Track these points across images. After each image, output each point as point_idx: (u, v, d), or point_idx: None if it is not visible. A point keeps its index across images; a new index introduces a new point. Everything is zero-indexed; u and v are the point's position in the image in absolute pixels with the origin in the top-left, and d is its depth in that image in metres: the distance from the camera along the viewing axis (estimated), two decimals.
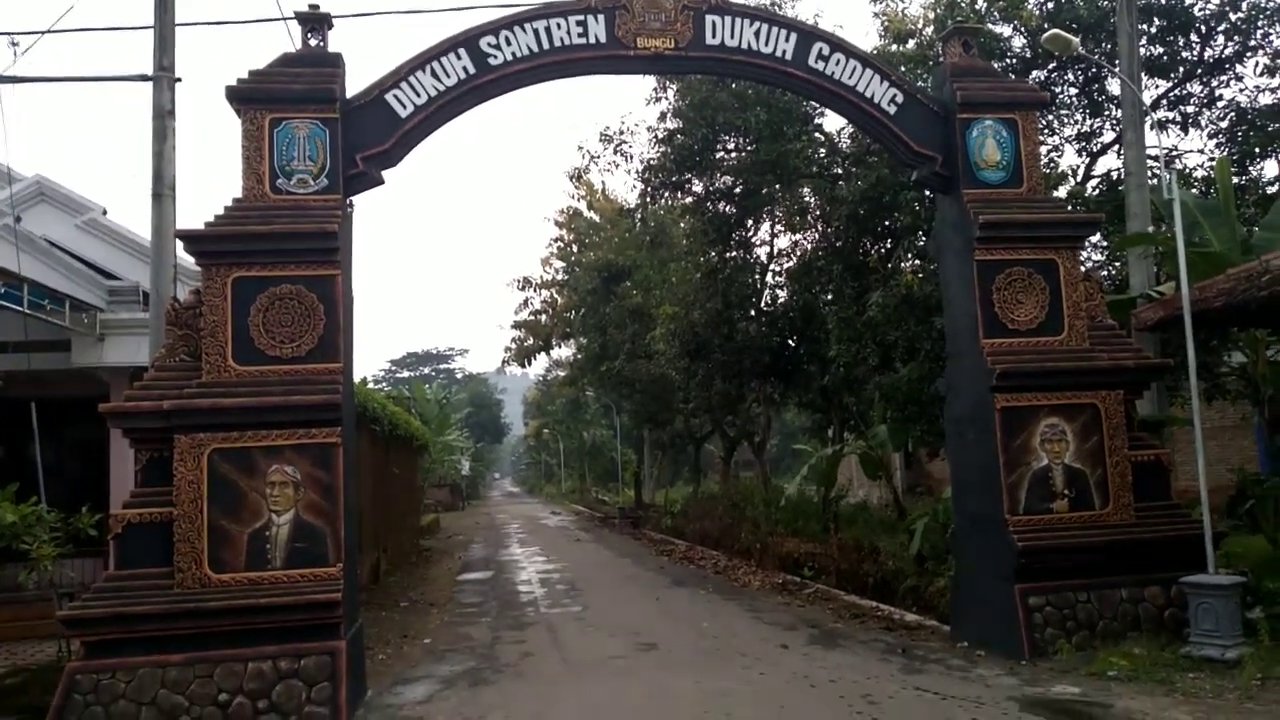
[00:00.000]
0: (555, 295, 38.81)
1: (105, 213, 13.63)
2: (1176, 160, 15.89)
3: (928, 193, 12.38)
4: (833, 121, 16.91)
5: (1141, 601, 8.44)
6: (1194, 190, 13.77)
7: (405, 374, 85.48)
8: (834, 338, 15.96)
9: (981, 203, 8.97)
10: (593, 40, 8.90)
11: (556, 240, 37.82)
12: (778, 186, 16.88)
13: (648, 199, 18.00)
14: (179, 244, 8.25)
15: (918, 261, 14.39)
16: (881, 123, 9.26)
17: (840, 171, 16.83)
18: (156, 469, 7.46)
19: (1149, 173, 11.95)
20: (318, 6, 8.48)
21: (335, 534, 7.44)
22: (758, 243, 21.90)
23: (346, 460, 7.72)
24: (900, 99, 9.22)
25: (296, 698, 7.06)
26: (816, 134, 17.38)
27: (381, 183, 8.50)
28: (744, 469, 38.51)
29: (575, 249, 36.66)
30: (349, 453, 7.95)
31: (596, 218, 35.96)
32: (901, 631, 10.20)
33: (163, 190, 9.44)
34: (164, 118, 9.54)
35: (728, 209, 17.90)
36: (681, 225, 24.59)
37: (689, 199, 18.19)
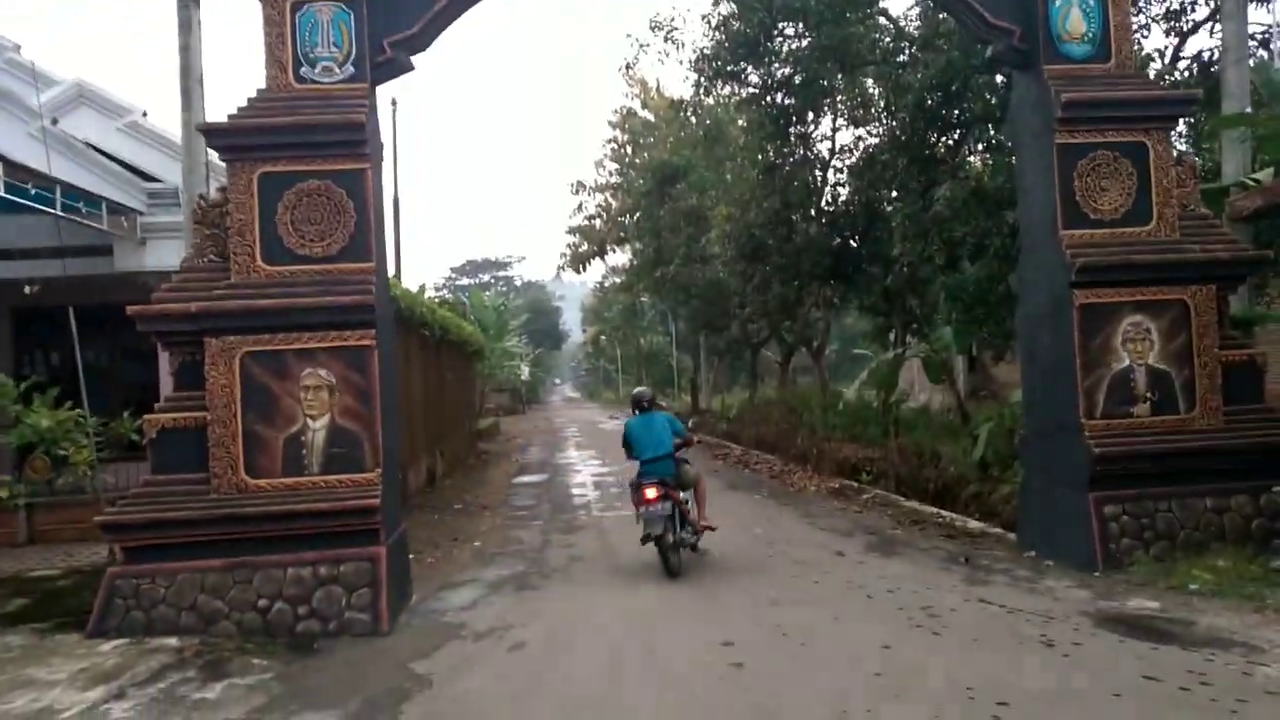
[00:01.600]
0: (609, 199, 38.10)
1: (146, 115, 13.35)
2: (1276, 39, 14.53)
3: (1003, 73, 11.46)
4: (898, 3, 15.83)
5: (1227, 511, 7.87)
6: None
7: (465, 281, 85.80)
8: (898, 235, 15.22)
9: (1065, 79, 8.13)
10: None
11: (611, 141, 36.91)
12: (839, 76, 15.87)
13: (702, 90, 17.12)
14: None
15: (988, 154, 13.45)
16: None
17: (906, 58, 15.76)
18: (190, 373, 7.26)
19: (1247, 49, 10.85)
20: None
21: (372, 438, 7.21)
22: (818, 138, 20.89)
23: (383, 363, 7.43)
24: None
25: (337, 603, 6.94)
26: (880, 18, 16.27)
27: (412, 69, 7.97)
28: (802, 375, 37.95)
29: (630, 150, 35.76)
30: (386, 356, 7.67)
31: (651, 116, 34.91)
32: (964, 539, 9.80)
33: (190, 85, 9.06)
34: (188, 7, 9.09)
35: (786, 101, 16.95)
36: (738, 121, 23.60)
37: (745, 91, 17.26)
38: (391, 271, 11.47)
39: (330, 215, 7.34)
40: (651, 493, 8.37)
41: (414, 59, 8.03)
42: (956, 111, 14.55)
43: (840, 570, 8.33)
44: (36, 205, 9.06)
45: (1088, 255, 7.87)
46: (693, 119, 29.46)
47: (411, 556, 9.67)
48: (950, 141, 14.23)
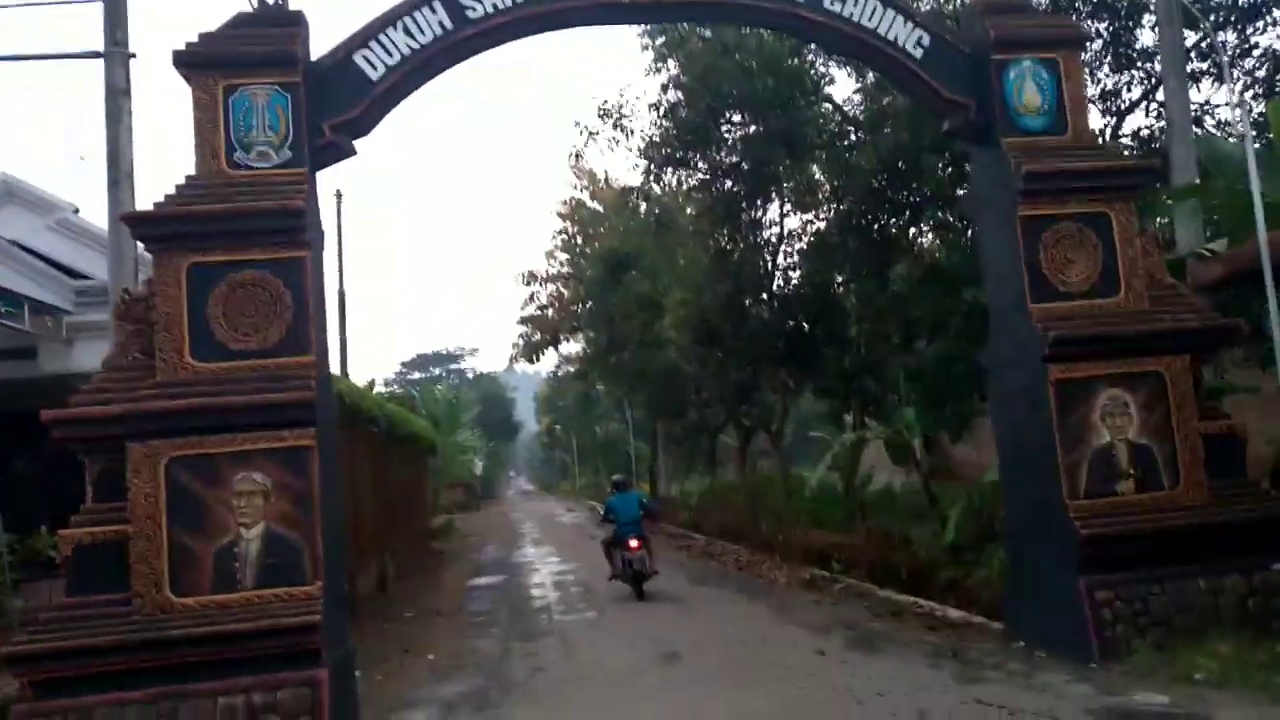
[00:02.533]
0: (561, 289, 37.98)
1: (77, 211, 12.87)
2: (1209, 114, 14.93)
3: (960, 149, 11.45)
4: (842, 89, 16.05)
5: (1221, 593, 7.50)
6: (1232, 140, 12.81)
7: (416, 375, 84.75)
8: (854, 316, 15.08)
9: (1023, 152, 8.04)
10: None
11: (560, 233, 36.99)
12: (788, 161, 15.92)
13: (651, 177, 17.09)
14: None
15: (942, 233, 13.45)
16: (906, 68, 8.34)
17: (854, 140, 15.92)
18: (111, 481, 6.61)
19: (1190, 125, 11.00)
20: None
21: (312, 547, 6.60)
22: (768, 224, 21.00)
23: (325, 465, 6.87)
24: (926, 40, 8.29)
25: None
26: (826, 104, 16.47)
27: (354, 153, 7.63)
28: (761, 458, 37.56)
29: (580, 240, 35.82)
30: (328, 456, 7.11)
31: (600, 207, 35.09)
32: (947, 630, 9.31)
33: (119, 176, 8.62)
34: (118, 97, 8.73)
35: (735, 188, 16.97)
36: (688, 209, 23.72)
37: (695, 177, 17.28)
38: (337, 366, 10.96)
39: (266, 307, 6.86)
40: (634, 544, 12.78)
41: (357, 143, 7.69)
42: (906, 192, 14.64)
43: (825, 672, 7.77)
44: None
45: (1060, 328, 7.64)
46: (642, 206, 29.68)
47: (359, 673, 8.94)
48: (902, 222, 14.22)
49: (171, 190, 7.03)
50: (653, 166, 16.48)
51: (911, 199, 14.57)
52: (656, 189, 20.52)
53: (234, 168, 7.10)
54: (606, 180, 35.15)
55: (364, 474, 14.52)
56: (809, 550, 15.91)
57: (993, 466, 12.01)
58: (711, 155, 16.38)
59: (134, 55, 8.92)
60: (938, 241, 13.14)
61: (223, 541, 6.52)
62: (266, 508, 6.59)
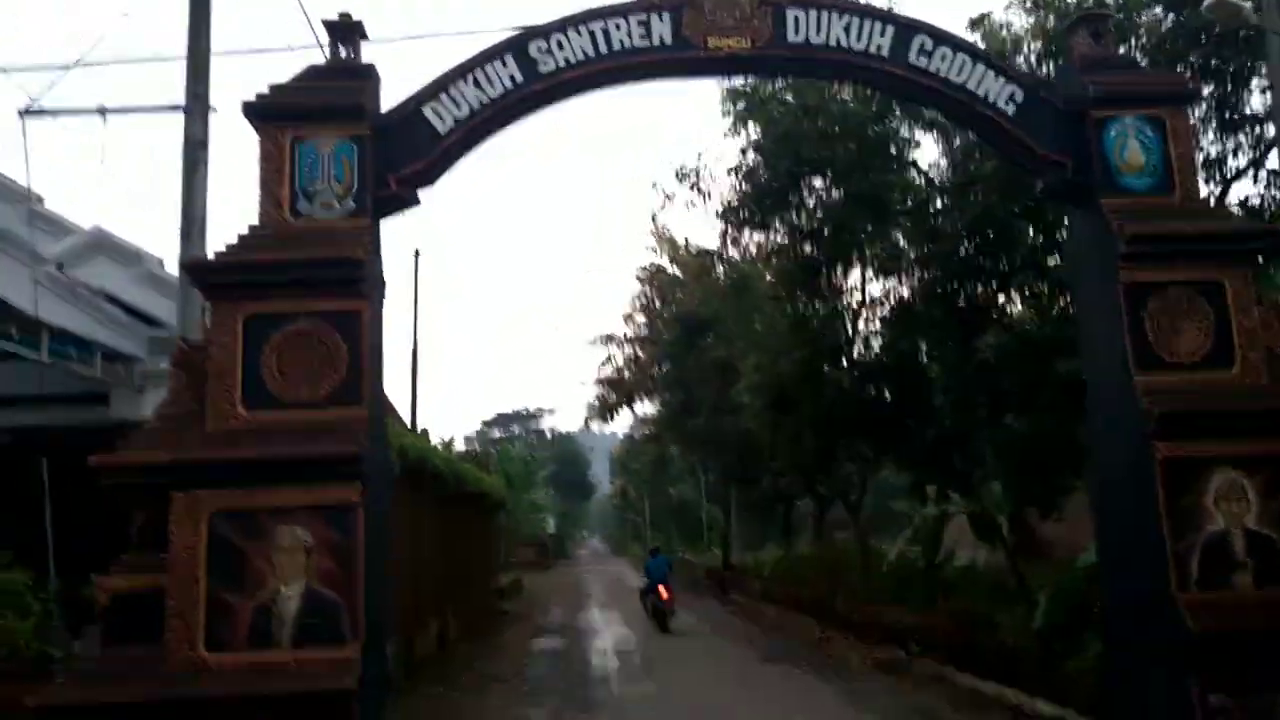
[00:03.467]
0: (638, 351, 37.90)
1: (162, 263, 13.12)
2: None
3: (1051, 211, 10.90)
4: (927, 154, 15.60)
5: None
6: None
7: (496, 434, 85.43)
8: (938, 387, 14.40)
9: (1126, 213, 7.45)
10: (657, 42, 7.77)
11: (639, 296, 37.04)
12: (870, 227, 15.44)
13: (729, 240, 16.76)
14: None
15: (1033, 300, 12.69)
16: (998, 125, 7.87)
17: (939, 207, 15.38)
18: (154, 531, 6.43)
19: None
20: (349, 15, 7.62)
21: (353, 608, 6.28)
22: (848, 290, 20.46)
23: (372, 521, 6.57)
24: (1020, 97, 7.82)
25: None
26: (911, 169, 16.01)
27: (418, 203, 7.48)
28: (838, 529, 36.35)
29: (658, 303, 35.75)
30: (377, 513, 6.83)
31: (679, 273, 35.04)
32: None
33: (190, 227, 8.67)
34: (196, 149, 8.81)
35: (815, 252, 16.52)
36: (766, 274, 23.36)
37: (774, 241, 16.89)
38: (407, 421, 10.79)
39: (321, 358, 6.67)
40: (663, 592, 19.01)
41: (425, 193, 7.56)
42: (994, 260, 13.97)
43: None
44: (19, 350, 8.54)
45: (1167, 403, 6.97)
46: (720, 270, 29.44)
47: None
48: (990, 290, 13.48)
49: (234, 240, 6.97)
50: (730, 229, 16.18)
51: (1000, 266, 13.87)
52: (734, 253, 20.27)
53: (296, 217, 7.00)
54: (686, 246, 35.22)
55: (427, 531, 14.30)
56: (886, 628, 15.06)
57: (1088, 548, 11.19)
58: (790, 219, 16.00)
59: (215, 109, 9.06)
60: (1029, 311, 12.42)
61: (262, 598, 6.25)
62: (308, 565, 6.31)
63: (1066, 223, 8.70)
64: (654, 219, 20.44)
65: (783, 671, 12.74)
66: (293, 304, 6.69)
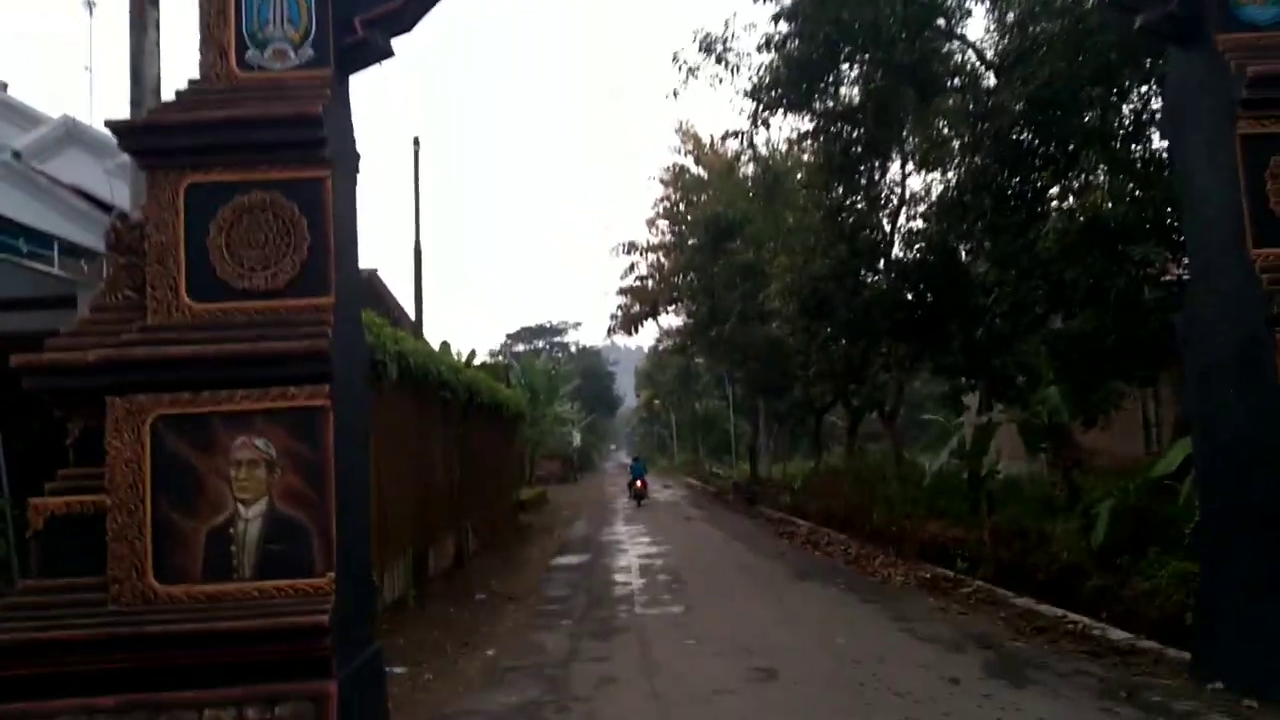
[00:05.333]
0: (662, 259, 36.59)
1: None
2: None
3: (1127, 72, 9.48)
4: (974, 31, 14.00)
5: None
6: None
7: (520, 348, 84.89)
8: (985, 285, 13.13)
9: (1247, 51, 6.15)
10: None
11: (662, 200, 35.53)
12: (916, 102, 13.96)
13: (759, 122, 15.34)
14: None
15: (1109, 176, 11.26)
16: None
17: (992, 85, 13.87)
18: (93, 444, 5.50)
19: None
20: None
21: (324, 531, 5.35)
22: (888, 184, 19.04)
23: (344, 431, 5.60)
24: None
25: None
26: (959, 41, 14.45)
27: (390, 54, 6.28)
28: (868, 441, 35.52)
29: (682, 207, 34.29)
30: (351, 420, 5.86)
31: (704, 173, 33.46)
32: (1111, 657, 7.56)
33: (143, 94, 7.53)
34: (143, 4, 7.61)
35: (854, 134, 15.10)
36: (797, 174, 21.87)
37: (808, 122, 15.44)
38: (413, 328, 9.77)
39: (277, 237, 5.62)
40: (640, 484, 31.06)
41: (396, 43, 6.36)
42: (1057, 138, 12.54)
43: (962, 710, 6.16)
44: None
45: None
46: (749, 169, 27.86)
47: (403, 669, 7.78)
48: (1053, 170, 12.05)
49: (171, 97, 5.85)
50: (761, 109, 14.74)
51: (1064, 145, 12.44)
52: (762, 144, 18.74)
53: (245, 69, 5.85)
54: (712, 145, 33.53)
55: (437, 444, 13.45)
56: (926, 543, 14.17)
57: (1167, 453, 10.12)
58: (827, 98, 14.55)
59: None
60: (1097, 193, 11.04)
61: (217, 521, 5.33)
62: (270, 481, 5.37)
63: (1165, 70, 7.30)
64: (675, 95, 18.64)
65: (819, 590, 11.88)
66: (242, 172, 5.62)
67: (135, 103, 7.51)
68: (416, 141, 18.09)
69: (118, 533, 5.28)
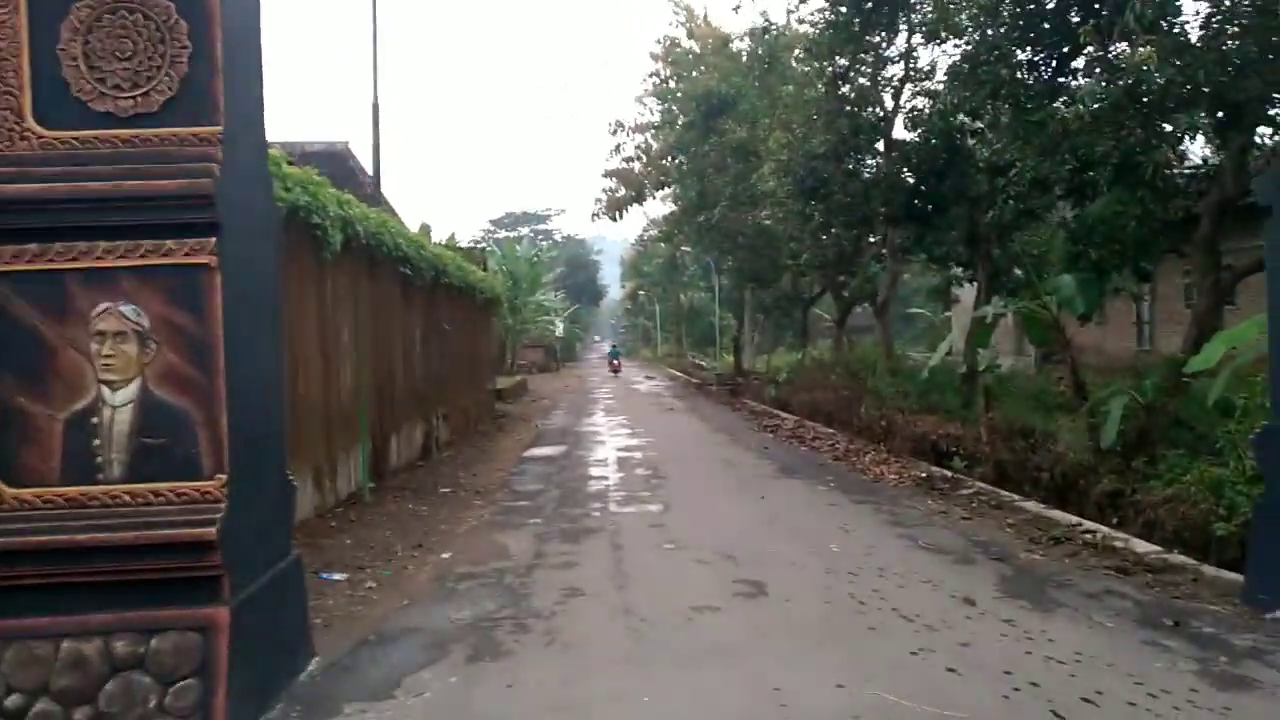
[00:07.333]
0: (650, 140, 34.86)
1: None
2: None
3: None
4: None
5: None
6: None
7: (503, 234, 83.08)
8: (1011, 155, 11.87)
9: None
10: None
11: (653, 75, 33.53)
12: None
13: None
14: None
15: (1151, 35, 9.85)
16: None
17: None
18: None
19: None
20: None
21: (212, 422, 4.28)
22: (894, 56, 17.54)
23: (236, 296, 4.46)
24: None
25: (140, 705, 4.08)
26: None
27: None
28: (854, 335, 34.74)
29: (673, 83, 32.37)
30: (249, 283, 4.72)
31: (696, 47, 31.45)
32: (1142, 573, 6.72)
33: None
34: None
35: None
36: (800, 31, 20.19)
37: None
38: (371, 183, 8.49)
39: (150, 45, 4.36)
40: (615, 363, 48.23)
41: None
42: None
43: (982, 640, 5.28)
44: None
45: None
46: (744, 44, 26.08)
47: (343, 578, 6.87)
48: (1097, 23, 10.57)
49: None
50: None
51: (1096, 9, 10.98)
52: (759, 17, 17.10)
53: None
54: (705, 18, 31.48)
55: (399, 325, 12.32)
56: (920, 440, 13.35)
57: (1206, 347, 9.15)
58: None
59: None
60: (1147, 50, 9.65)
61: (76, 407, 4.24)
62: (143, 359, 4.26)
63: None
64: None
65: (807, 489, 11.04)
66: None
67: None
68: None
69: None
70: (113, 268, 4.24)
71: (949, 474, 11.49)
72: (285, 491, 5.15)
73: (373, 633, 5.69)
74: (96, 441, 4.23)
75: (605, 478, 12.16)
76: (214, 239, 4.28)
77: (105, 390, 4.24)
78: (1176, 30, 9.91)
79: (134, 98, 4.35)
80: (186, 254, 4.26)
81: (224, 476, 4.26)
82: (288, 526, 5.16)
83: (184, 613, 4.17)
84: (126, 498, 4.21)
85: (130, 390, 4.25)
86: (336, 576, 6.89)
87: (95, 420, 4.23)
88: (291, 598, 5.07)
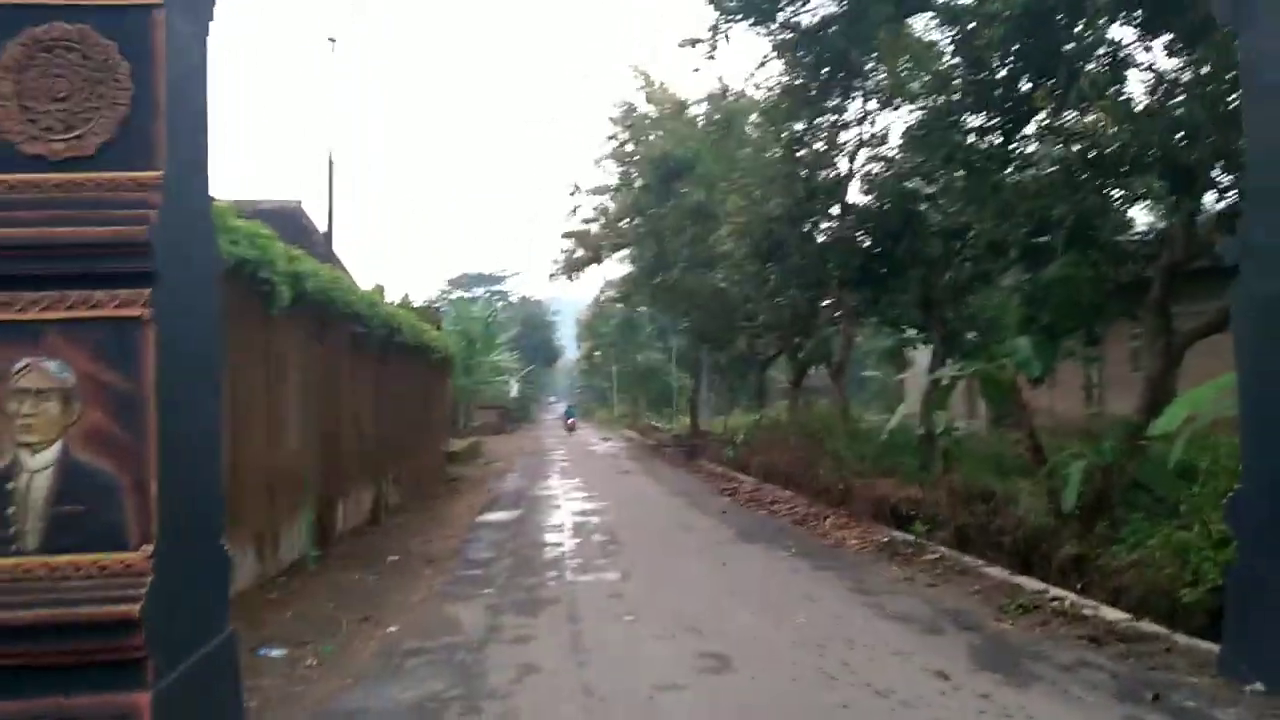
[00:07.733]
0: (608, 202, 35.07)
1: None
2: None
3: None
4: None
5: None
6: None
7: (459, 294, 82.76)
8: (965, 220, 11.98)
9: None
10: None
11: (611, 138, 33.83)
12: (891, 13, 12.57)
13: (719, 33, 13.87)
14: None
15: (1109, 98, 9.96)
16: None
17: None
18: None
19: None
20: None
21: (139, 487, 3.95)
22: (849, 121, 17.82)
23: (170, 352, 4.17)
24: None
25: None
26: None
27: None
28: (809, 396, 34.81)
29: (631, 147, 32.68)
30: (187, 339, 4.44)
31: (654, 111, 31.85)
32: (1114, 643, 6.53)
33: None
34: None
35: (824, 54, 13.77)
36: (758, 97, 20.50)
37: (772, 34, 13.97)
38: (325, 240, 8.21)
39: (88, 86, 4.12)
40: (570, 421, 53.47)
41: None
42: (1049, 54, 11.22)
43: (960, 717, 5.04)
44: None
45: None
46: (700, 108, 26.42)
47: (282, 654, 6.44)
48: (1054, 88, 10.69)
49: None
50: (723, 19, 13.24)
51: (1049, 76, 11.15)
52: (717, 80, 17.32)
53: None
54: (663, 86, 31.93)
55: (350, 386, 11.96)
56: (878, 502, 13.19)
57: (1177, 405, 9.14)
58: (798, 4, 13.11)
59: None
60: (1099, 113, 9.78)
61: None
62: (66, 419, 3.94)
63: None
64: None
65: (768, 555, 10.79)
66: None
67: None
68: (332, 41, 16.24)
69: None
70: (37, 320, 3.94)
71: (911, 538, 11.31)
72: (221, 562, 4.79)
73: (312, 716, 5.29)
74: (11, 509, 3.88)
75: (561, 544, 11.80)
76: (148, 290, 4.00)
77: (23, 454, 3.90)
78: (1126, 97, 10.13)
79: (67, 140, 4.10)
80: (117, 306, 3.97)
81: (150, 547, 3.92)
82: (224, 600, 4.79)
83: (101, 699, 3.78)
84: (42, 571, 3.85)
85: (50, 453, 3.92)
86: (275, 653, 6.46)
87: (10, 486, 3.89)
88: (224, 679, 4.68)
